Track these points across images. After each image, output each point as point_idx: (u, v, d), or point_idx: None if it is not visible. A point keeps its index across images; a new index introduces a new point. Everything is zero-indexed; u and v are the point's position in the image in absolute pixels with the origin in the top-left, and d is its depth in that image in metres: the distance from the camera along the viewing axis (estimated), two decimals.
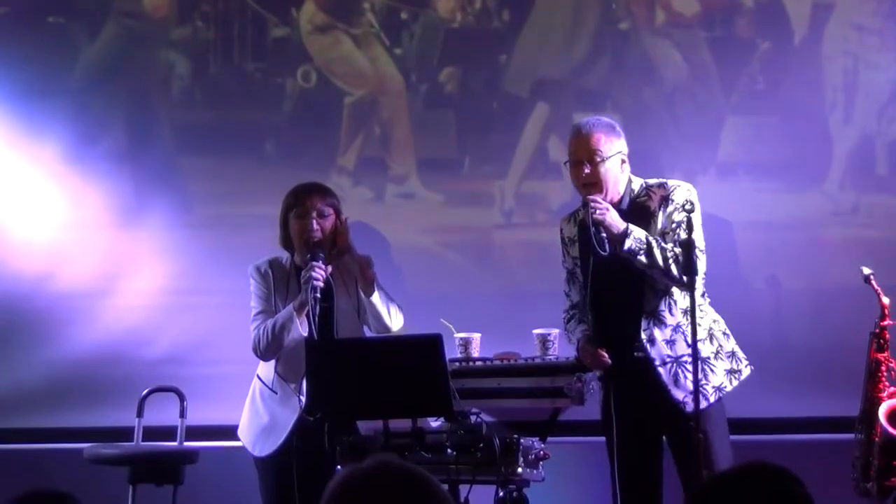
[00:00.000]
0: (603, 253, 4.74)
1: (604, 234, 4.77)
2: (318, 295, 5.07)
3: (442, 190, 6.66)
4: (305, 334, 5.08)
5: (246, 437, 5.31)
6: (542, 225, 6.52)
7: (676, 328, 4.87)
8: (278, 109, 6.82)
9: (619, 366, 4.90)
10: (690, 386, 4.79)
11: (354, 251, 5.21)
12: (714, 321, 4.97)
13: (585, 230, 4.87)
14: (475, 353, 5.57)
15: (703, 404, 4.80)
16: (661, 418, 4.86)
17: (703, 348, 4.87)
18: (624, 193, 4.93)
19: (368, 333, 5.27)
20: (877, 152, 6.37)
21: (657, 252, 4.77)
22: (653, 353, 4.86)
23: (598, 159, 4.85)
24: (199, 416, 6.20)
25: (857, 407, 5.29)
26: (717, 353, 4.92)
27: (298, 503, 5.08)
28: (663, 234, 4.85)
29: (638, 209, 4.91)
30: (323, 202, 5.21)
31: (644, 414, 4.89)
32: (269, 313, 5.22)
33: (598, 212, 4.76)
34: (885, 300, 5.25)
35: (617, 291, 4.89)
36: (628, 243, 4.76)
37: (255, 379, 5.33)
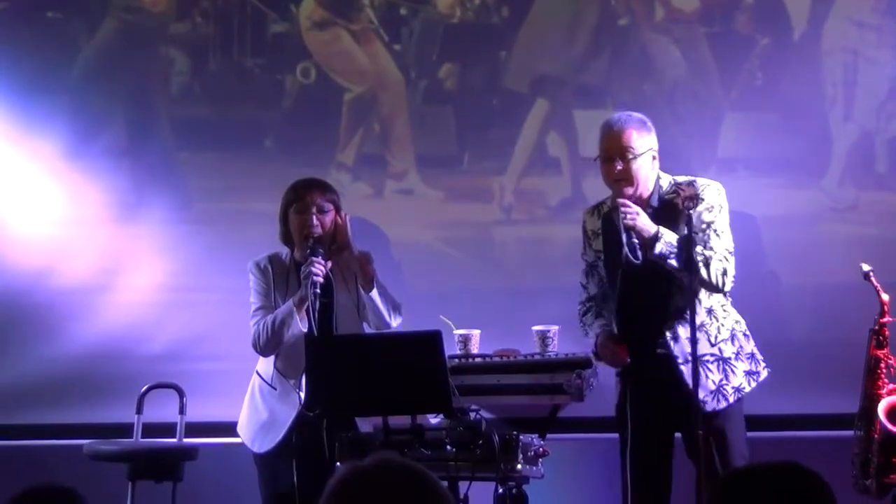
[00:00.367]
0: (636, 261, 4.74)
1: (636, 240, 4.76)
2: (318, 291, 5.07)
3: (441, 186, 6.65)
4: (305, 330, 5.09)
5: (245, 434, 5.31)
6: (542, 221, 6.52)
7: (700, 327, 4.87)
8: (277, 105, 6.81)
9: (639, 363, 4.89)
10: (711, 385, 4.81)
11: (354, 247, 5.21)
12: (736, 322, 4.98)
13: (610, 226, 4.86)
14: (474, 350, 5.58)
15: (723, 404, 4.84)
16: (678, 416, 4.84)
17: (725, 348, 4.89)
18: (653, 190, 4.92)
19: (368, 329, 5.27)
20: (876, 149, 6.37)
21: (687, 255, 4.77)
22: (675, 350, 4.86)
23: (630, 156, 4.85)
24: (199, 412, 6.20)
25: (856, 403, 5.29)
26: (738, 353, 4.94)
27: (298, 499, 5.09)
28: (693, 234, 4.85)
29: (667, 206, 4.90)
30: (323, 198, 5.22)
31: (662, 411, 4.89)
32: (268, 309, 5.23)
33: (628, 216, 4.75)
34: (885, 297, 5.26)
35: (645, 290, 4.88)
36: (659, 247, 4.76)
37: (255, 375, 5.33)
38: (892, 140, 6.34)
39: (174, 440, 6.12)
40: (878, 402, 5.22)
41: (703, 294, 4.87)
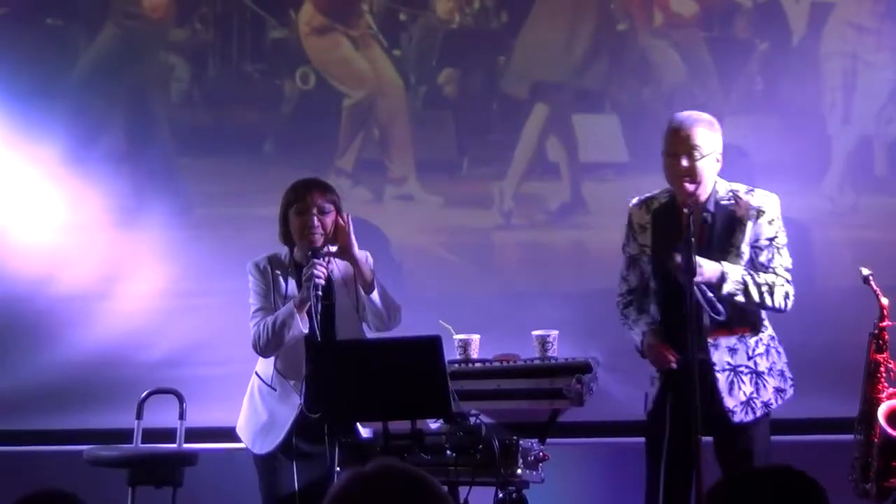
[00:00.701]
0: (719, 317, 4.79)
1: (711, 295, 4.78)
2: (320, 293, 5.06)
3: (441, 191, 6.66)
4: (306, 331, 5.08)
5: (245, 435, 5.30)
6: (542, 226, 6.52)
7: (741, 338, 4.88)
8: (277, 111, 6.82)
9: (680, 367, 4.87)
10: (742, 397, 4.83)
11: (355, 248, 5.17)
12: (772, 337, 4.98)
13: (660, 219, 4.85)
14: (474, 355, 5.58)
15: (750, 417, 4.84)
16: (708, 422, 4.83)
17: (760, 362, 4.91)
18: (710, 195, 4.92)
19: (367, 331, 5.26)
20: (875, 152, 6.37)
21: (753, 290, 4.81)
22: (714, 357, 4.86)
23: (697, 154, 4.83)
24: (199, 418, 6.20)
25: (856, 408, 5.29)
26: (771, 369, 4.95)
27: (298, 501, 5.08)
28: (754, 248, 4.86)
29: (723, 213, 4.90)
30: (323, 198, 5.18)
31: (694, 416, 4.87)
32: (268, 310, 5.21)
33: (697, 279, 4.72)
34: (884, 301, 5.25)
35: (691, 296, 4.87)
36: (726, 288, 4.78)
37: (254, 376, 5.32)
38: (891, 143, 6.35)
39: (174, 446, 6.12)
40: (878, 405, 5.21)
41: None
